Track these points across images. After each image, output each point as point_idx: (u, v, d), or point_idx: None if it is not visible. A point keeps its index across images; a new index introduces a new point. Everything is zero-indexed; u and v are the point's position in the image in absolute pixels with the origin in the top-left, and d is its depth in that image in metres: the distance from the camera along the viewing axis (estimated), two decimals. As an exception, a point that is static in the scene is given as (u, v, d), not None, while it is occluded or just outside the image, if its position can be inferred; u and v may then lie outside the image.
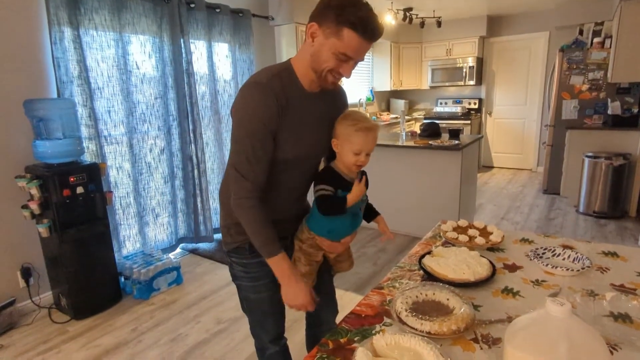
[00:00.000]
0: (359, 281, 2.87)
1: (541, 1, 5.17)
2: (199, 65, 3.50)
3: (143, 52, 3.07)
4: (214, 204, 3.72)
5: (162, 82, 3.21)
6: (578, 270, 1.16)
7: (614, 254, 1.31)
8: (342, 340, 0.92)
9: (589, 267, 1.18)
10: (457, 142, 3.53)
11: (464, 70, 6.16)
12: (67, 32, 2.59)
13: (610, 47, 4.20)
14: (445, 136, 3.94)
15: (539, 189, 5.18)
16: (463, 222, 1.57)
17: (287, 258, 1.14)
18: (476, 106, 6.49)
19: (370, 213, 1.37)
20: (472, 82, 6.17)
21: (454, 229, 1.53)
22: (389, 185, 3.82)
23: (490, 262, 1.21)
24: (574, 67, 4.56)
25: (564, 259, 1.26)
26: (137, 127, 3.09)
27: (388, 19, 4.87)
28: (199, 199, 3.54)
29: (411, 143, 3.67)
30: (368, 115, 5.96)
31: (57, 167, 2.41)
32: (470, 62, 6.09)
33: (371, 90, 6.55)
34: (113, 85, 2.90)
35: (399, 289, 1.04)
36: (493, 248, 1.39)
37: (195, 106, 3.39)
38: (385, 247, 3.50)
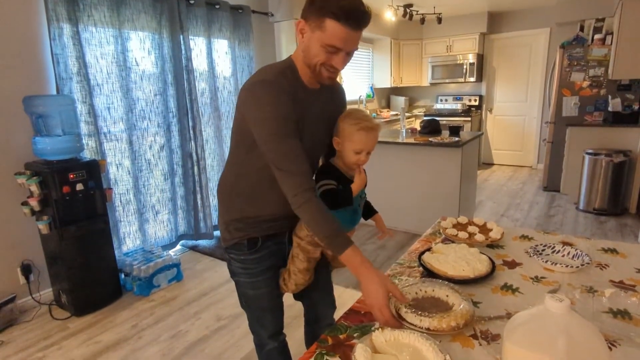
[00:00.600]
0: (358, 278, 2.87)
1: (542, -3, 5.15)
2: (199, 62, 3.50)
3: (142, 48, 3.06)
4: (214, 201, 3.72)
5: (162, 78, 3.20)
6: (577, 267, 1.17)
7: (613, 251, 1.32)
8: (341, 337, 0.93)
9: (588, 263, 1.18)
10: (457, 139, 3.52)
11: (465, 67, 6.14)
12: (66, 29, 2.58)
13: (611, 43, 4.19)
14: (445, 133, 3.94)
15: (539, 186, 5.18)
16: (463, 219, 1.57)
17: (358, 250, 1.02)
18: (476, 103, 6.48)
19: (368, 211, 1.37)
20: (472, 79, 6.15)
21: (454, 226, 1.53)
22: (389, 182, 3.82)
23: (490, 258, 1.21)
24: (575, 63, 4.55)
25: (563, 256, 1.26)
26: (137, 124, 3.09)
27: (388, 16, 4.85)
28: (198, 196, 3.54)
29: (411, 140, 3.67)
30: (368, 113, 5.95)
31: (57, 163, 2.40)
32: (471, 58, 6.08)
33: (371, 87, 6.53)
34: (112, 81, 2.89)
35: (398, 286, 1.04)
36: (493, 245, 1.40)
37: (195, 103, 3.39)
38: (385, 244, 3.50)
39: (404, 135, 3.99)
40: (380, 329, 0.88)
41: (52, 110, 2.41)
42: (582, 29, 4.71)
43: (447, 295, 1.01)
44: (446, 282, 1.06)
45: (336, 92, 1.30)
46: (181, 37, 3.24)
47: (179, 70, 3.27)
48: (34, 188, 2.36)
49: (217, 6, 3.53)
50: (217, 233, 3.73)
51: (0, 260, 2.48)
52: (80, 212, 2.49)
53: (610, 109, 4.35)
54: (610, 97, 4.38)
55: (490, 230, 1.47)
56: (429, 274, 1.16)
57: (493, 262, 1.19)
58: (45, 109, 2.39)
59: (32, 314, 2.55)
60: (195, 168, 3.49)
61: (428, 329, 0.88)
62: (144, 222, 3.21)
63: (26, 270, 2.56)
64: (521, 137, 6.35)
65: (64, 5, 2.54)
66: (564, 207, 4.35)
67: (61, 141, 2.42)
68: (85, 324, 2.46)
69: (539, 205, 4.47)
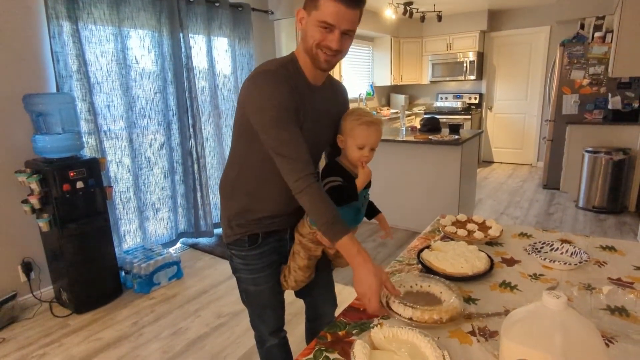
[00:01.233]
0: (358, 276, 2.88)
1: (542, -5, 5.14)
2: (199, 60, 3.49)
3: (142, 46, 3.06)
4: (214, 198, 3.73)
5: (162, 76, 3.20)
6: (576, 265, 1.17)
7: (611, 248, 1.32)
8: (340, 333, 0.93)
9: (586, 261, 1.19)
10: (457, 137, 3.53)
11: (465, 65, 6.13)
12: (66, 27, 2.58)
13: (611, 41, 4.18)
14: (445, 131, 3.93)
15: (539, 184, 5.18)
16: (462, 217, 1.57)
17: (356, 239, 1.03)
18: (476, 101, 6.48)
19: (372, 210, 1.38)
20: (472, 77, 6.15)
21: (453, 224, 1.53)
22: (389, 180, 3.82)
23: (489, 256, 1.21)
24: (575, 61, 4.55)
25: (562, 253, 1.27)
26: (137, 122, 3.09)
27: (388, 13, 4.84)
28: (199, 194, 3.55)
29: (411, 138, 3.67)
30: (368, 109, 5.95)
31: (57, 161, 2.41)
32: (471, 56, 6.07)
33: (371, 85, 6.53)
34: (112, 79, 2.89)
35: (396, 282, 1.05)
36: (491, 242, 1.40)
37: (195, 101, 3.39)
38: (385, 242, 3.50)
39: (404, 133, 3.99)
40: (379, 326, 0.88)
41: (52, 108, 2.41)
42: (582, 26, 4.70)
43: (441, 292, 1.02)
44: (442, 280, 1.06)
45: (338, 90, 1.31)
46: (181, 35, 3.24)
47: (178, 68, 3.27)
48: (35, 186, 2.36)
49: (217, 4, 3.53)
50: (217, 231, 3.73)
51: (1, 258, 2.48)
52: (80, 210, 2.50)
53: (610, 107, 4.35)
54: (610, 95, 4.38)
55: (490, 227, 1.47)
56: (428, 271, 1.17)
57: (492, 260, 1.20)
58: (45, 107, 2.39)
59: (32, 312, 2.56)
60: (195, 166, 3.50)
61: (411, 319, 0.91)
62: (144, 220, 3.22)
63: (27, 267, 2.56)
64: (521, 135, 6.35)
65: (63, 3, 2.54)
66: (564, 205, 4.35)
67: (61, 139, 2.43)
68: (86, 322, 2.47)
69: (538, 203, 4.48)
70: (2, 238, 2.48)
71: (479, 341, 0.87)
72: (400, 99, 6.89)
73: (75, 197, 2.45)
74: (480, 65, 6.30)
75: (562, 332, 0.61)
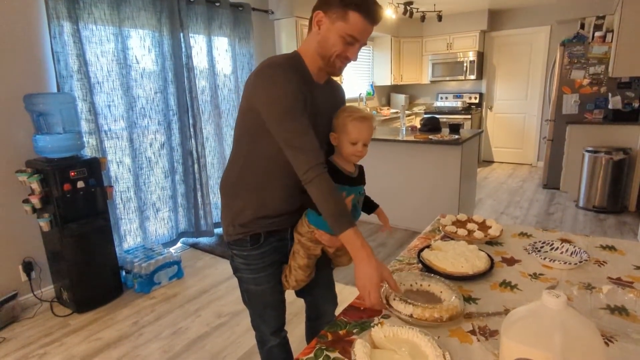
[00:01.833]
0: (358, 275, 2.88)
1: (542, -5, 5.14)
2: (199, 60, 3.50)
3: (143, 46, 3.07)
4: (215, 198, 3.73)
5: (162, 76, 3.20)
6: (576, 264, 1.17)
7: (611, 248, 1.32)
8: (341, 332, 0.94)
9: (586, 260, 1.19)
10: (457, 136, 3.53)
11: (465, 64, 6.13)
12: (67, 26, 2.58)
13: (611, 41, 4.18)
14: (445, 131, 3.94)
15: (539, 184, 5.19)
16: (462, 216, 1.58)
17: (360, 234, 1.04)
18: (477, 101, 6.48)
19: (369, 206, 1.38)
20: (472, 77, 6.15)
21: (453, 223, 1.53)
22: (389, 179, 3.82)
23: (489, 255, 1.22)
24: (575, 61, 4.55)
25: (562, 253, 1.27)
26: (137, 122, 3.09)
27: (388, 13, 4.84)
28: (199, 194, 3.55)
29: (411, 138, 3.67)
30: (368, 110, 5.96)
31: (58, 161, 2.41)
32: (471, 56, 6.07)
33: (371, 85, 6.53)
34: (113, 79, 2.89)
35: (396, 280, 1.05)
36: (492, 242, 1.40)
37: (195, 101, 3.39)
38: (385, 242, 3.51)
39: (404, 133, 3.99)
40: (379, 325, 0.88)
41: (53, 108, 2.41)
42: (582, 26, 4.70)
43: (441, 292, 1.02)
44: (442, 279, 1.07)
45: (337, 89, 1.33)
46: (181, 34, 3.24)
47: (179, 68, 3.27)
48: (35, 186, 2.37)
49: (217, 4, 3.53)
50: (217, 230, 3.74)
51: (1, 258, 2.49)
52: (81, 210, 2.50)
53: (610, 106, 4.35)
54: (610, 94, 4.38)
55: (490, 227, 1.48)
56: (428, 270, 1.17)
57: (492, 259, 1.20)
58: (45, 107, 2.39)
59: (33, 311, 2.56)
60: (196, 166, 3.50)
61: (411, 316, 0.91)
62: (144, 219, 3.22)
63: (28, 267, 2.57)
64: (521, 135, 6.35)
65: (64, 3, 2.54)
66: (564, 205, 4.35)
67: (62, 139, 2.43)
68: (87, 321, 2.47)
69: (538, 202, 4.48)
70: (3, 237, 2.48)
71: (479, 340, 0.87)
72: (400, 98, 6.89)
73: (75, 196, 2.46)
74: (481, 65, 6.30)
75: (562, 332, 0.61)
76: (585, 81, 4.54)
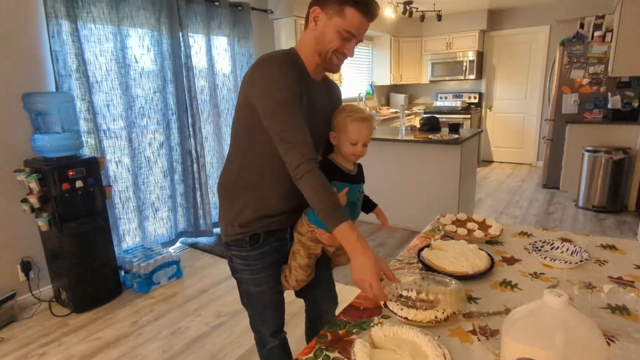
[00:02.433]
0: (358, 275, 2.88)
1: (542, -6, 5.14)
2: (198, 59, 3.49)
3: (141, 45, 3.06)
4: (213, 198, 3.72)
5: (161, 76, 3.20)
6: (576, 263, 1.17)
7: (612, 247, 1.32)
8: (340, 332, 0.93)
9: (587, 260, 1.19)
10: (456, 136, 3.52)
11: (464, 64, 6.13)
12: (65, 25, 2.57)
13: (611, 40, 4.18)
14: (445, 130, 3.93)
15: (539, 184, 5.18)
16: (462, 216, 1.57)
17: (355, 227, 1.03)
18: (476, 100, 6.48)
19: (368, 205, 1.38)
20: (472, 76, 6.15)
21: (453, 223, 1.53)
22: (389, 179, 3.82)
23: (489, 255, 1.21)
24: (575, 61, 4.54)
25: (562, 252, 1.26)
26: (136, 121, 3.09)
27: (388, 13, 4.83)
28: (198, 193, 3.54)
29: (411, 137, 3.67)
30: (367, 109, 5.95)
31: (56, 161, 2.40)
32: (471, 56, 6.07)
33: (371, 85, 6.52)
34: (112, 79, 2.89)
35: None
36: (492, 241, 1.40)
37: (194, 100, 3.38)
38: (385, 241, 3.50)
39: (404, 132, 3.99)
40: (379, 325, 0.88)
41: (51, 107, 2.40)
42: (582, 26, 4.70)
43: (439, 291, 1.01)
44: (442, 278, 1.06)
45: (334, 88, 1.33)
46: (180, 34, 3.23)
47: (178, 68, 3.26)
48: (34, 185, 2.36)
49: (217, 3, 3.52)
50: (216, 230, 3.73)
51: (0, 257, 2.48)
52: (79, 209, 2.49)
53: (609, 106, 4.35)
54: (609, 94, 4.38)
55: (490, 226, 1.47)
56: (428, 270, 1.17)
57: (492, 259, 1.19)
58: (44, 106, 2.38)
59: (32, 311, 2.55)
60: (195, 165, 3.49)
61: (406, 319, 0.91)
62: (143, 219, 3.21)
63: (26, 267, 2.56)
64: (521, 135, 6.35)
65: (62, 2, 2.53)
66: (563, 205, 4.35)
67: (60, 138, 2.42)
68: (85, 321, 2.46)
69: (538, 202, 4.48)
70: (1, 237, 2.47)
71: (479, 340, 0.87)
72: (399, 98, 6.88)
73: (74, 196, 2.45)
74: (480, 65, 6.30)
75: (564, 331, 0.61)
76: (585, 81, 4.54)
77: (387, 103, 7.16)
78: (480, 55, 6.22)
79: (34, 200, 2.38)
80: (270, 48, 4.31)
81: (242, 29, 3.82)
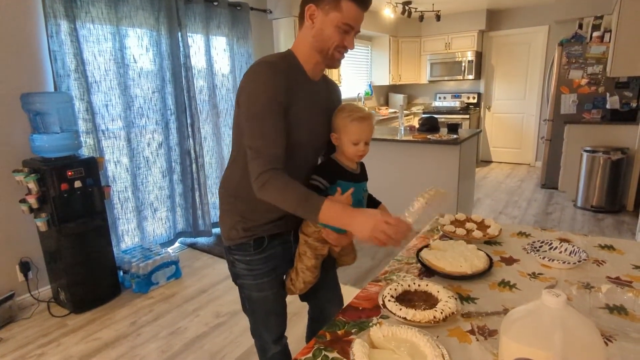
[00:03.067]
0: (357, 275, 2.88)
1: (541, -5, 5.15)
2: (197, 59, 3.49)
3: (140, 45, 3.06)
4: (212, 198, 3.72)
5: (160, 76, 3.19)
6: (574, 263, 1.17)
7: (610, 247, 1.32)
8: (339, 332, 0.93)
9: (585, 260, 1.19)
10: (455, 136, 3.53)
11: (463, 64, 6.14)
12: (64, 25, 2.57)
13: (609, 41, 4.19)
14: (443, 130, 3.93)
15: (537, 184, 5.19)
16: (461, 216, 1.57)
17: (334, 201, 1.04)
18: (475, 100, 6.48)
19: (372, 203, 1.38)
20: (471, 77, 6.15)
21: (452, 223, 1.53)
22: (388, 179, 3.82)
23: (488, 255, 1.21)
24: (573, 61, 4.55)
25: (560, 252, 1.27)
26: (135, 121, 3.08)
27: (387, 13, 4.84)
28: (197, 194, 3.54)
29: (409, 137, 3.67)
30: (367, 109, 5.95)
31: (55, 161, 2.40)
32: (470, 56, 6.07)
33: (370, 85, 6.53)
34: (110, 79, 2.88)
35: (396, 283, 1.05)
36: (490, 241, 1.40)
37: (193, 100, 3.38)
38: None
39: (402, 132, 3.99)
40: (378, 325, 0.88)
41: (50, 107, 2.40)
42: (580, 26, 4.71)
43: (438, 291, 1.02)
44: (440, 279, 1.06)
45: (333, 86, 1.33)
46: (179, 34, 3.23)
47: (177, 68, 3.26)
48: (32, 185, 2.36)
49: (216, 3, 3.52)
50: (215, 230, 3.73)
51: (-2, 258, 2.48)
52: (78, 210, 2.49)
53: (608, 106, 4.36)
54: (608, 94, 4.39)
55: (488, 227, 1.47)
56: (427, 270, 1.17)
57: (491, 259, 1.20)
58: (43, 106, 2.38)
59: (30, 311, 2.55)
60: (194, 165, 3.49)
61: (405, 319, 0.91)
62: (142, 219, 3.21)
63: (24, 267, 2.55)
64: (519, 135, 6.36)
65: (61, 2, 2.53)
66: (562, 205, 4.36)
67: (59, 138, 2.42)
68: (84, 321, 2.46)
69: (536, 202, 4.48)
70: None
71: (478, 340, 0.87)
72: (398, 98, 6.89)
73: (73, 196, 2.45)
74: (479, 65, 6.30)
75: (562, 331, 0.61)
76: (584, 81, 4.54)
77: (386, 103, 7.17)
78: (479, 55, 6.23)
79: (32, 200, 2.38)
80: (269, 48, 4.31)
81: (241, 29, 3.82)
